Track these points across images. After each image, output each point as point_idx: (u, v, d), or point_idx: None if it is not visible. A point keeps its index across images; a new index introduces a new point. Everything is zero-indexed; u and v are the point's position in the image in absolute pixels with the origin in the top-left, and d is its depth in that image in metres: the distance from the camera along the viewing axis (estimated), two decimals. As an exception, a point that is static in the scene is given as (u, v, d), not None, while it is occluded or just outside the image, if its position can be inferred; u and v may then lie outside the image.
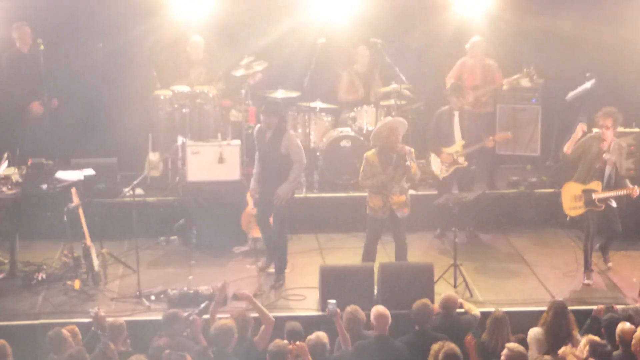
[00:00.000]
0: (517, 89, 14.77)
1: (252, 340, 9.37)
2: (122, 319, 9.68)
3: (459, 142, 13.00)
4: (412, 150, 11.44)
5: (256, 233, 12.46)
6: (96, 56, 14.69)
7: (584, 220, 11.63)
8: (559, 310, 9.29)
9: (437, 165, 13.11)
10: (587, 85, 14.40)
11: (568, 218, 11.99)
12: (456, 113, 13.02)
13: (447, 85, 14.14)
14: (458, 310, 10.14)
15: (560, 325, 9.15)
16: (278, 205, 11.52)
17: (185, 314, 9.55)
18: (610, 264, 12.05)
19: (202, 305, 10.07)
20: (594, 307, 9.84)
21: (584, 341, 8.62)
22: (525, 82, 14.52)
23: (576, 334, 9.21)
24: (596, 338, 8.81)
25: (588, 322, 9.61)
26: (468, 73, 14.20)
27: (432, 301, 10.60)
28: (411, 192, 11.92)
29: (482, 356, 9.11)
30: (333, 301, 9.66)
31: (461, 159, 12.98)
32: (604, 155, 11.43)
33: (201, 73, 14.35)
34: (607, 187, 11.48)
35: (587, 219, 11.57)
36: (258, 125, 11.89)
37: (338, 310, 9.62)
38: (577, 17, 14.91)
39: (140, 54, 14.80)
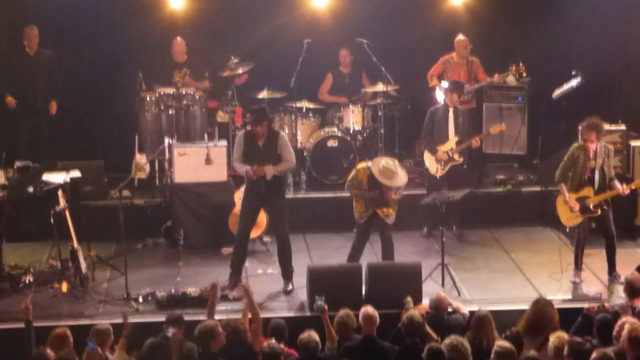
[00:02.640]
0: (503, 87, 14.81)
1: (248, 343, 9.32)
2: (107, 324, 9.60)
3: (452, 139, 13.00)
4: (395, 199, 11.46)
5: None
6: (82, 58, 14.67)
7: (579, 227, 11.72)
8: (539, 306, 9.29)
9: (432, 164, 13.08)
10: (573, 83, 14.44)
11: (568, 229, 12.08)
12: (450, 110, 13.02)
13: (431, 82, 14.18)
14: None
15: (540, 320, 9.15)
16: (257, 173, 11.37)
17: (161, 334, 9.30)
18: (621, 279, 11.49)
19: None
20: (585, 306, 9.84)
21: (552, 339, 8.60)
22: (512, 80, 14.56)
23: (558, 330, 9.17)
24: (576, 338, 8.79)
25: (579, 320, 9.60)
26: (452, 71, 14.22)
27: (420, 300, 10.64)
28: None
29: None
30: (321, 297, 9.70)
31: (456, 156, 13.00)
32: (590, 163, 11.53)
33: (185, 74, 14.32)
34: (598, 191, 11.55)
35: (580, 225, 11.65)
36: (242, 132, 11.77)
37: (326, 306, 9.65)
38: (563, 14, 14.96)
39: (126, 56, 14.78)
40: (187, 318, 9.55)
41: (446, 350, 8.42)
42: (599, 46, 15.03)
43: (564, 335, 8.61)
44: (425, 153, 13.21)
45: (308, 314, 10.82)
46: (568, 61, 14.83)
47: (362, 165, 11.60)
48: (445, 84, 13.84)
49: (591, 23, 15.01)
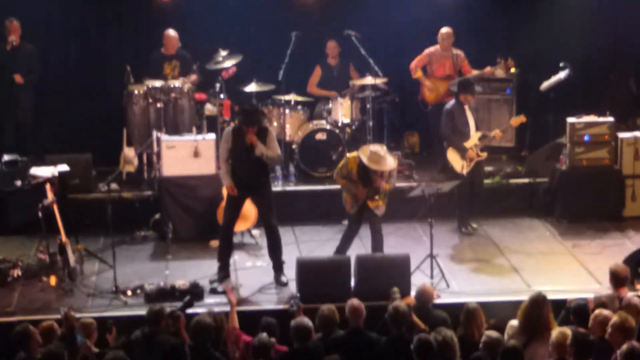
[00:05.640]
0: (491, 79, 14.83)
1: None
2: (91, 318, 9.59)
3: (475, 135, 12.96)
4: (387, 189, 11.46)
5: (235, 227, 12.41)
6: (69, 51, 14.64)
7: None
8: (536, 301, 9.29)
9: (458, 162, 12.90)
10: (562, 75, 14.46)
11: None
12: (466, 107, 13.00)
13: (414, 73, 14.18)
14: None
15: (537, 315, 9.16)
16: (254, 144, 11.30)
17: (169, 310, 9.51)
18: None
19: (185, 300, 10.00)
20: (567, 298, 9.87)
21: (555, 333, 8.62)
22: (500, 73, 14.58)
23: (554, 326, 9.21)
24: (580, 329, 8.83)
25: (562, 313, 9.63)
26: (437, 63, 14.23)
27: (409, 292, 10.65)
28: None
29: (461, 349, 9.10)
30: (296, 298, 9.89)
31: (482, 152, 12.96)
32: None
33: (176, 67, 14.31)
34: None
35: None
36: (230, 128, 11.71)
37: (301, 304, 9.78)
38: (551, 6, 14.99)
39: (113, 49, 14.76)
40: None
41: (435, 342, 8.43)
42: (587, 38, 15.07)
43: (566, 330, 8.63)
44: (449, 152, 12.95)
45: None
46: (556, 53, 14.85)
47: (352, 154, 11.59)
48: (453, 86, 13.82)
49: (579, 15, 15.06)
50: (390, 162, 11.39)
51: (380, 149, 11.47)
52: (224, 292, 11.01)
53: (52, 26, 14.68)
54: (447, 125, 13.03)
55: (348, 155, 11.72)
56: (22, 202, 12.60)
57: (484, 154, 12.97)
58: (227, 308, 10.02)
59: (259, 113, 11.71)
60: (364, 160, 11.27)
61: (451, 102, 13.12)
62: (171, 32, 14.36)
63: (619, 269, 9.97)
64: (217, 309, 9.91)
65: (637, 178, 13.46)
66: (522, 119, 13.16)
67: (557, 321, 9.30)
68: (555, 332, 8.58)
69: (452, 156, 12.94)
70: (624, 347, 8.08)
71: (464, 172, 12.89)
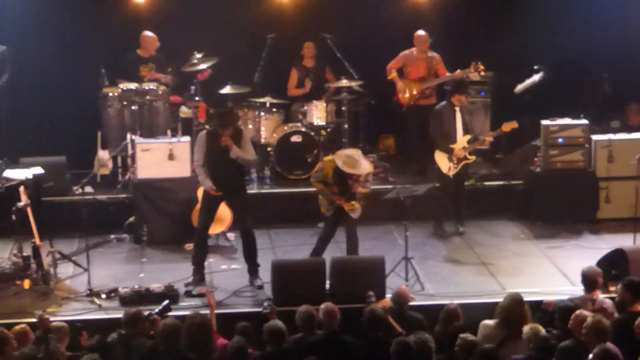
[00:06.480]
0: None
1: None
2: (63, 322, 9.53)
3: (463, 138, 12.95)
4: (363, 192, 11.48)
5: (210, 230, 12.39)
6: (44, 53, 14.57)
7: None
8: (516, 299, 9.33)
9: (444, 163, 12.92)
10: (536, 77, 14.52)
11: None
12: (457, 109, 13.01)
13: (389, 74, 14.19)
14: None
15: (516, 313, 9.19)
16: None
17: (146, 313, 9.49)
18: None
19: (163, 305, 9.97)
20: (544, 299, 9.91)
21: (526, 329, 8.67)
22: (475, 75, 14.60)
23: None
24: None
25: (538, 314, 9.66)
26: (412, 66, 14.27)
27: (384, 295, 10.66)
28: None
29: (437, 349, 9.13)
30: (269, 301, 9.96)
31: (469, 155, 12.98)
32: None
33: (151, 69, 14.27)
34: None
35: None
36: (204, 132, 11.67)
37: (274, 307, 9.81)
38: (526, 9, 15.05)
39: (88, 51, 14.70)
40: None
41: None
42: (562, 41, 15.12)
43: (537, 326, 8.67)
44: (436, 152, 12.95)
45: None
46: (532, 56, 14.92)
47: (328, 158, 11.59)
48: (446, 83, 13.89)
49: (554, 18, 15.11)
50: (365, 165, 11.41)
51: (356, 153, 11.48)
52: (199, 295, 11.00)
53: (25, 28, 14.59)
54: (434, 125, 13.04)
55: (324, 159, 11.73)
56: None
57: (472, 157, 13.00)
58: (204, 311, 9.99)
59: (233, 115, 11.70)
60: (340, 164, 11.27)
61: (442, 103, 13.15)
62: (149, 34, 14.31)
63: (591, 271, 10.01)
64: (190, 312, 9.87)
65: (611, 180, 13.52)
66: (513, 124, 13.14)
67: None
68: (526, 328, 8.63)
69: (440, 157, 12.96)
70: (597, 349, 8.12)
71: (451, 173, 12.92)
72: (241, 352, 8.73)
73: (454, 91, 13.04)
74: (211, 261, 12.09)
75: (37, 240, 11.44)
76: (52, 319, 9.67)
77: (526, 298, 9.45)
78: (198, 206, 12.28)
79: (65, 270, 11.93)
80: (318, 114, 14.41)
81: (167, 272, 11.83)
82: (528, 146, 14.27)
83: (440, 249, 12.76)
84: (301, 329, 9.27)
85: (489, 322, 9.30)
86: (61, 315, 10.52)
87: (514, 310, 9.15)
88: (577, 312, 8.95)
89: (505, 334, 9.04)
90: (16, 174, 12.40)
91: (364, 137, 14.81)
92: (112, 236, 13.07)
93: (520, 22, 15.11)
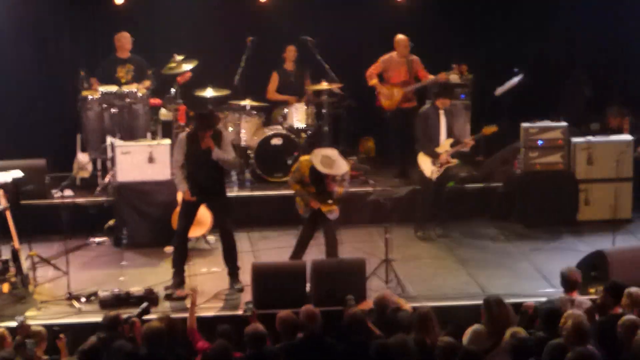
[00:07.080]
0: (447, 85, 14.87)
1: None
2: (41, 326, 9.48)
3: (446, 141, 12.96)
4: (340, 193, 11.46)
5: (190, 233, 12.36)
6: (23, 55, 14.52)
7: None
8: (496, 304, 9.32)
9: (427, 166, 12.92)
10: (515, 80, 14.56)
11: None
12: (441, 112, 13.01)
13: (370, 81, 14.21)
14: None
15: (502, 315, 9.19)
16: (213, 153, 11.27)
17: (125, 317, 9.46)
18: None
19: (142, 307, 9.94)
20: (524, 301, 9.92)
21: (507, 333, 8.67)
22: (455, 78, 14.64)
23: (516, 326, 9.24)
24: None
25: (518, 316, 9.66)
26: (393, 70, 14.28)
27: (364, 297, 10.65)
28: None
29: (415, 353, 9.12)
30: (250, 301, 9.98)
31: (452, 159, 12.99)
32: None
33: (129, 71, 14.22)
34: None
35: None
36: (184, 134, 11.64)
37: (255, 310, 9.81)
38: (506, 12, 15.10)
39: (67, 54, 14.65)
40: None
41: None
42: (541, 44, 15.17)
43: (518, 330, 8.67)
44: (420, 155, 12.98)
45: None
46: (511, 59, 14.96)
47: (304, 157, 11.58)
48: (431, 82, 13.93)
49: (534, 21, 15.17)
50: (342, 165, 11.40)
51: (332, 153, 11.48)
52: (179, 299, 10.97)
53: (4, 29, 14.53)
54: (419, 128, 13.05)
55: (300, 159, 11.71)
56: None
57: (455, 161, 13.01)
58: (182, 314, 9.96)
59: (213, 117, 11.67)
60: (316, 164, 11.26)
61: (426, 106, 13.16)
62: (123, 33, 14.25)
63: (570, 272, 10.02)
64: (172, 315, 9.84)
65: (591, 182, 13.56)
66: (493, 128, 13.19)
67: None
68: (508, 332, 8.64)
69: (423, 160, 12.97)
70: (576, 350, 8.13)
71: (433, 177, 12.92)
72: (225, 354, 8.70)
73: (439, 94, 13.06)
74: (191, 264, 12.05)
75: (16, 244, 11.38)
76: (30, 322, 9.63)
77: (506, 300, 9.45)
78: (178, 209, 12.24)
79: (44, 273, 11.89)
80: (298, 116, 14.42)
81: (147, 275, 11.80)
82: (509, 148, 14.30)
83: (421, 251, 12.77)
84: (282, 335, 9.24)
85: (477, 327, 9.28)
86: (40, 319, 10.46)
87: (501, 313, 9.15)
88: (569, 311, 8.94)
89: (494, 340, 9.03)
90: (-5, 177, 12.33)
91: (344, 140, 14.81)
92: (92, 239, 13.02)
93: (500, 25, 15.17)
